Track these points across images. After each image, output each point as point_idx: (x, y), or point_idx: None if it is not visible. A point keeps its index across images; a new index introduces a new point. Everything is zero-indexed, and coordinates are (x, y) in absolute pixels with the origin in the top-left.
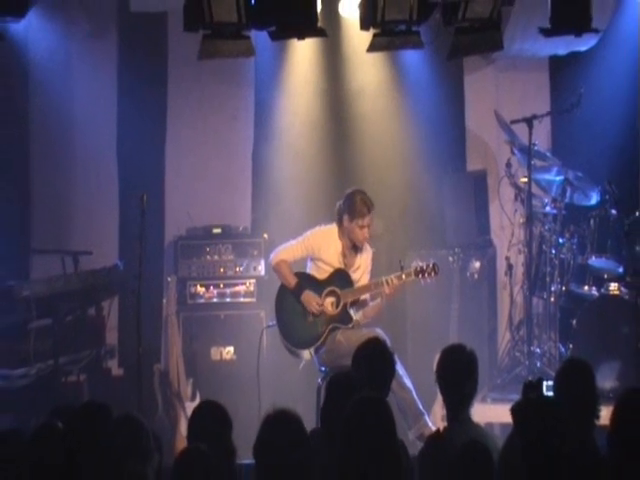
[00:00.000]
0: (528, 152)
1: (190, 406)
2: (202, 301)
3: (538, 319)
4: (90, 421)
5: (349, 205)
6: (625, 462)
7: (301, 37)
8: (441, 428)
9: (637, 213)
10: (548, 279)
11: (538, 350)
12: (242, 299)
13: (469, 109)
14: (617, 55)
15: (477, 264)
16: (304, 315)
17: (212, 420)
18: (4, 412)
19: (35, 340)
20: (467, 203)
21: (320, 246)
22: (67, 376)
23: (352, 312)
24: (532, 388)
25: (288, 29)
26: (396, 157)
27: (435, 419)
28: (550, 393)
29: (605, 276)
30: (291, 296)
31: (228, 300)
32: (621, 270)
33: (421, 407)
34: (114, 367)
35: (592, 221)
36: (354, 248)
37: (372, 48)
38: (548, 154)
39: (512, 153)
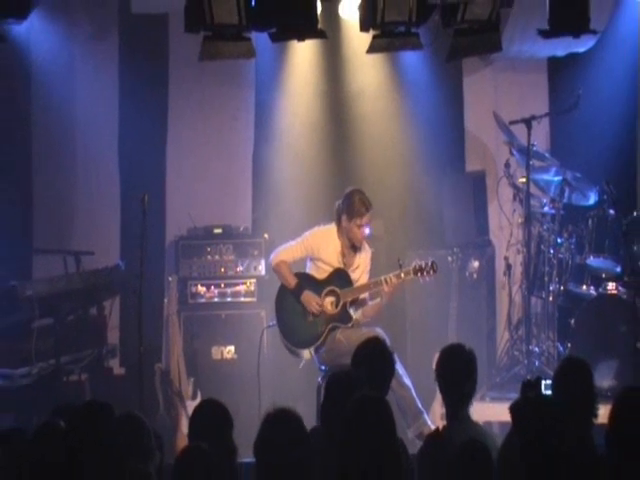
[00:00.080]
0: (527, 153)
1: (191, 405)
2: (203, 301)
3: (537, 318)
4: (92, 420)
5: (347, 205)
6: (623, 460)
7: (301, 39)
8: (440, 427)
9: (635, 213)
10: (546, 279)
11: (537, 349)
12: (243, 299)
13: (468, 110)
14: (615, 56)
15: (476, 264)
16: (304, 315)
17: (213, 419)
18: (6, 411)
19: (37, 339)
20: (466, 203)
21: (319, 246)
22: (69, 375)
23: (352, 311)
24: (531, 387)
25: (288, 31)
26: (395, 158)
27: (434, 418)
28: (548, 392)
29: (603, 276)
30: (291, 296)
31: (229, 300)
32: (619, 270)
33: (420, 406)
34: (115, 366)
35: (590, 221)
36: (353, 248)
37: (372, 49)
38: (547, 155)
39: (511, 154)
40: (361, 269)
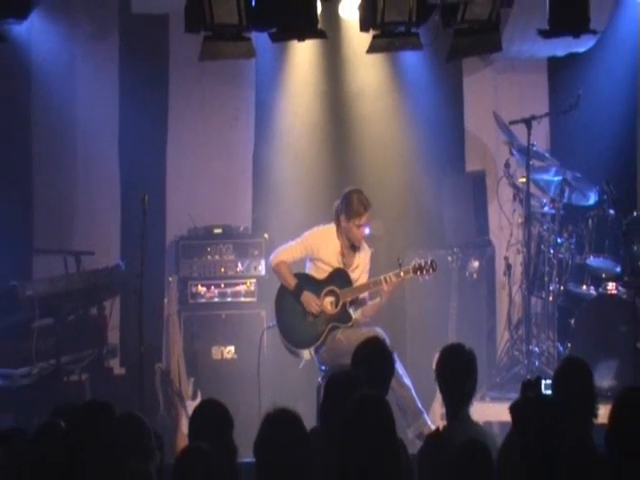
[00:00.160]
0: (527, 153)
1: (191, 405)
2: (203, 301)
3: (537, 318)
4: (92, 420)
5: (346, 205)
6: (623, 460)
7: (301, 39)
8: (440, 427)
9: (635, 213)
10: (546, 279)
11: (537, 349)
12: (243, 299)
13: (468, 110)
14: (615, 56)
15: (476, 264)
16: (304, 315)
17: (213, 419)
18: (6, 411)
19: (37, 339)
20: (466, 203)
21: (319, 246)
22: (69, 375)
23: (351, 311)
24: (531, 387)
25: (288, 31)
26: (395, 158)
27: (434, 417)
28: (548, 392)
29: (603, 276)
30: (291, 297)
31: (229, 300)
32: (619, 270)
33: (420, 405)
34: (116, 366)
35: (590, 221)
36: (352, 247)
37: (372, 49)
38: (546, 155)
39: (511, 154)
40: (360, 269)
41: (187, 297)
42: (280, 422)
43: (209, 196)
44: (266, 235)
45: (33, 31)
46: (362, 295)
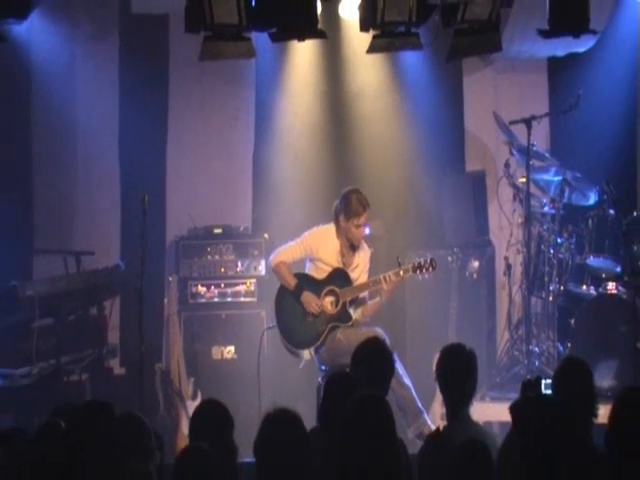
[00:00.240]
0: (527, 153)
1: (191, 405)
2: (203, 301)
3: (537, 318)
4: (92, 420)
5: (345, 205)
6: (623, 460)
7: (301, 39)
8: (440, 427)
9: (635, 213)
10: (546, 279)
11: (537, 349)
12: (243, 299)
13: (468, 110)
14: (615, 56)
15: (476, 264)
16: (304, 315)
17: (214, 419)
18: (6, 411)
19: (37, 339)
20: (466, 203)
21: (318, 246)
22: (69, 375)
23: (351, 311)
24: (531, 387)
25: (288, 31)
26: (395, 158)
27: (434, 417)
28: (548, 392)
29: (603, 276)
30: (291, 297)
31: (229, 300)
32: (619, 270)
33: (420, 405)
34: (116, 366)
35: (590, 221)
36: (352, 247)
37: (372, 49)
38: (546, 155)
39: (511, 154)
40: (360, 268)
41: (187, 297)
42: (280, 422)
43: (209, 196)
44: (266, 235)
45: (33, 31)
46: (362, 294)
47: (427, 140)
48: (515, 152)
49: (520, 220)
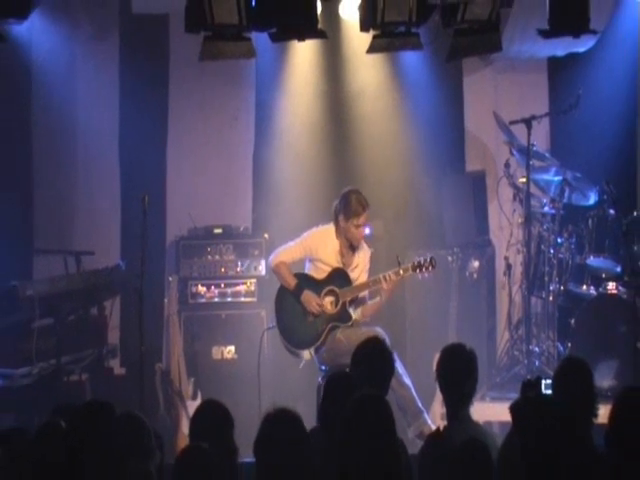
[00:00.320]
0: (527, 153)
1: (191, 405)
2: (203, 301)
3: (537, 318)
4: (92, 420)
5: (344, 205)
6: (623, 460)
7: (301, 39)
8: (440, 426)
9: (635, 213)
10: (547, 279)
11: (537, 349)
12: (243, 299)
13: (468, 110)
14: (615, 56)
15: (476, 264)
16: (304, 315)
17: (214, 419)
18: (6, 411)
19: (37, 339)
20: (466, 203)
21: (318, 246)
22: (69, 375)
23: (351, 310)
24: (531, 387)
25: (288, 31)
26: (395, 158)
27: (434, 417)
28: (549, 392)
29: (603, 275)
30: (291, 297)
31: (229, 300)
32: (619, 269)
33: (420, 405)
34: (116, 366)
35: (590, 221)
36: (351, 247)
37: (372, 49)
38: (547, 155)
39: (511, 154)
40: (360, 268)
41: (187, 297)
42: (280, 422)
43: (209, 196)
44: (266, 235)
45: (33, 31)
46: (362, 294)
47: (427, 140)
48: (515, 152)
49: (520, 220)
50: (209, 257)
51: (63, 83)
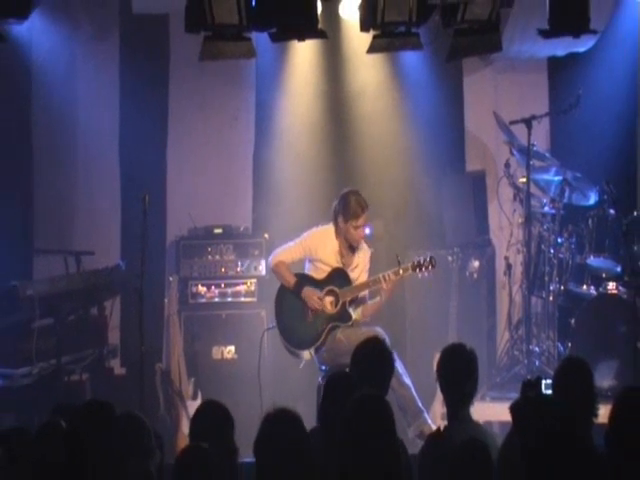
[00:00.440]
0: (527, 152)
1: (191, 405)
2: (203, 301)
3: (537, 318)
4: (92, 420)
5: (343, 206)
6: (623, 460)
7: (301, 39)
8: (441, 426)
9: (635, 213)
10: (547, 278)
11: (537, 349)
12: (243, 299)
13: (468, 110)
14: (616, 56)
15: (476, 263)
16: (304, 315)
17: (214, 420)
18: (6, 411)
19: (38, 339)
20: (466, 203)
21: (317, 246)
22: (69, 375)
23: (351, 310)
24: (531, 387)
25: (289, 31)
26: (395, 158)
27: (435, 417)
28: (549, 392)
29: (603, 275)
30: (290, 296)
31: (229, 300)
32: (619, 269)
33: (420, 405)
34: (116, 366)
35: (590, 221)
36: (351, 247)
37: (372, 49)
38: (547, 154)
39: (511, 154)
40: (360, 268)
41: (187, 297)
42: (280, 422)
43: (209, 196)
44: (266, 235)
45: (34, 31)
46: (362, 294)
47: (427, 140)
48: (515, 152)
49: (520, 220)
50: (209, 257)
51: (63, 83)
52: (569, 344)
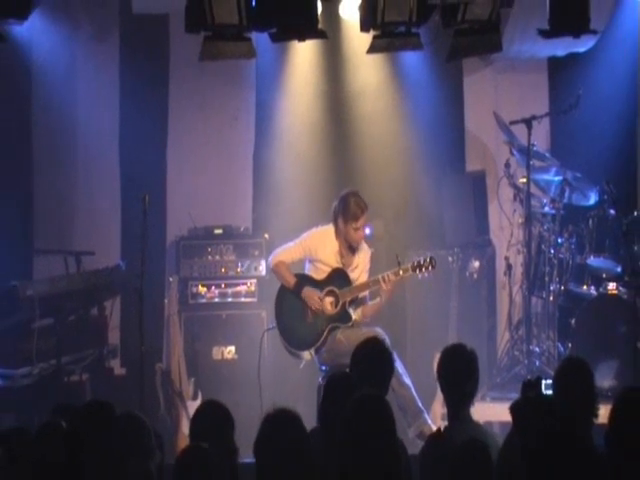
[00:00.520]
0: (527, 153)
1: (192, 405)
2: (204, 301)
3: (537, 318)
4: (92, 420)
5: (343, 208)
6: (623, 460)
7: (302, 39)
8: (441, 427)
9: (635, 213)
10: (547, 279)
11: (537, 349)
12: (243, 299)
13: (468, 110)
14: (616, 56)
15: (476, 264)
16: (304, 315)
17: (215, 420)
18: (6, 411)
19: (38, 339)
20: (466, 203)
21: (317, 247)
22: (70, 375)
23: (351, 311)
24: (531, 387)
25: (289, 31)
26: (395, 158)
27: (435, 418)
28: (549, 392)
29: (603, 275)
30: (290, 297)
31: (229, 300)
32: (619, 270)
33: (420, 405)
34: (116, 366)
35: (590, 221)
36: (351, 248)
37: (372, 49)
38: (547, 155)
39: (511, 154)
40: (360, 269)
41: (187, 297)
42: (280, 422)
43: (209, 196)
44: (266, 235)
45: (34, 31)
46: (362, 294)
47: (427, 140)
48: (515, 152)
49: (520, 220)
50: (209, 257)
51: (63, 83)
52: (569, 344)
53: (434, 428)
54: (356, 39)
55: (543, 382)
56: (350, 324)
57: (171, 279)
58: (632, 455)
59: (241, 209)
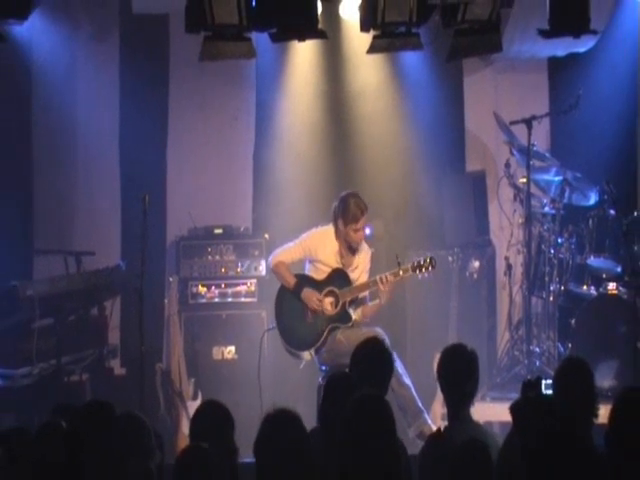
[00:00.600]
0: (527, 153)
1: (192, 405)
2: (204, 301)
3: (537, 318)
4: (92, 420)
5: (343, 209)
6: (623, 460)
7: (302, 39)
8: (441, 427)
9: (635, 213)
10: (547, 279)
11: (537, 349)
12: (243, 299)
13: (468, 110)
14: (616, 56)
15: (476, 264)
16: (304, 316)
17: (215, 420)
18: (6, 411)
19: (38, 339)
20: (466, 203)
21: (317, 247)
22: (70, 375)
23: (351, 311)
24: (531, 387)
25: (289, 31)
26: (396, 158)
27: (435, 418)
28: (549, 392)
29: (603, 276)
30: (290, 297)
31: (229, 300)
32: (619, 270)
33: (420, 405)
34: (116, 366)
35: (591, 221)
36: (351, 248)
37: (372, 50)
38: (547, 155)
39: (511, 154)
40: (360, 269)
41: (187, 297)
42: (280, 422)
43: (209, 196)
44: (266, 235)
45: (34, 31)
46: (362, 295)
47: (427, 140)
48: (515, 152)
49: (520, 220)
50: (209, 257)
51: (63, 83)
52: (569, 344)
53: (434, 428)
54: (356, 39)
55: (543, 382)
56: (350, 324)
57: (171, 279)
58: (632, 455)
59: (241, 209)
